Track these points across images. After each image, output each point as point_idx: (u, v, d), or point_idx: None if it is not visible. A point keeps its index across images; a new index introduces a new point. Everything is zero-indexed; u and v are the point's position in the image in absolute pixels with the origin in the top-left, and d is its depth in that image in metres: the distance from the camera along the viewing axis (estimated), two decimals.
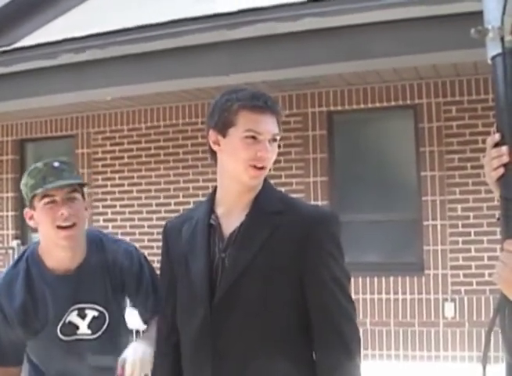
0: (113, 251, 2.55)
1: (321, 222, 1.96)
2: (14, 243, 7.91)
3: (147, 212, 8.05)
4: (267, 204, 1.99)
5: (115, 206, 8.24)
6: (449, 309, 6.75)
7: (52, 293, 2.45)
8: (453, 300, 6.76)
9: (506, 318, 1.61)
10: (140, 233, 8.02)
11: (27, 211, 2.46)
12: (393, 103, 7.16)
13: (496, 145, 1.63)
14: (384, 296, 6.98)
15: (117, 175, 8.26)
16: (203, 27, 5.23)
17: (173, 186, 7.96)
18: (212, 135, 2.00)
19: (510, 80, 1.61)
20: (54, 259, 2.46)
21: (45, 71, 5.93)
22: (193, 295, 1.97)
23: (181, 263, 2.04)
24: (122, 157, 8.25)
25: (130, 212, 8.15)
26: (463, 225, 6.79)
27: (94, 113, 8.35)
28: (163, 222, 2.23)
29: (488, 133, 1.69)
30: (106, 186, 8.30)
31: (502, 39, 1.61)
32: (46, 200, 2.37)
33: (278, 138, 2.00)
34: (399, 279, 6.95)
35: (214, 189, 2.09)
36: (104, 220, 8.25)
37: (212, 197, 2.07)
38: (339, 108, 7.36)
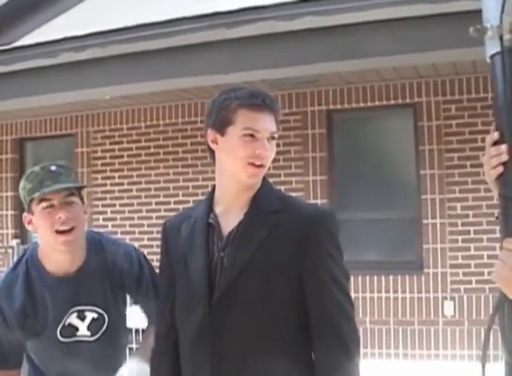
0: (112, 252, 2.55)
1: (320, 221, 1.96)
2: (14, 242, 7.91)
3: (147, 211, 8.05)
4: (265, 203, 1.98)
5: (115, 205, 8.24)
6: (449, 308, 6.75)
7: (52, 295, 2.45)
8: (453, 298, 6.76)
9: (506, 316, 1.61)
10: (140, 232, 8.03)
11: (25, 215, 2.45)
12: (392, 102, 7.16)
13: (495, 143, 1.63)
14: (383, 295, 6.99)
15: (116, 174, 8.26)
16: (203, 25, 5.23)
17: (172, 185, 7.96)
18: (210, 133, 2.00)
19: (508, 78, 1.61)
20: (53, 263, 2.46)
21: (45, 70, 5.93)
22: (192, 294, 1.97)
23: (180, 262, 2.04)
24: (122, 156, 8.25)
25: (130, 211, 8.15)
26: (463, 224, 6.80)
27: (93, 112, 8.35)
28: (162, 221, 2.23)
29: (488, 132, 1.69)
30: (105, 184, 8.30)
31: (501, 38, 1.61)
32: (44, 204, 2.36)
33: (276, 136, 2.00)
34: (399, 277, 6.95)
35: (213, 188, 2.08)
36: (104, 219, 8.25)
37: (211, 196, 2.07)
38: (338, 107, 7.37)
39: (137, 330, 4.85)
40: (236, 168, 1.95)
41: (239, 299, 1.90)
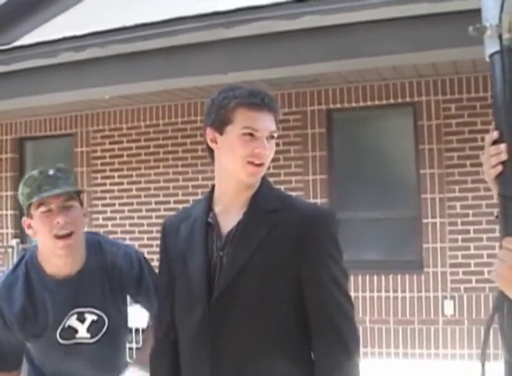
0: (112, 253, 2.55)
1: (320, 220, 1.96)
2: (13, 242, 7.89)
3: (146, 210, 8.05)
4: (264, 203, 1.98)
5: (114, 204, 8.24)
6: (449, 307, 6.75)
7: (52, 298, 2.45)
8: (453, 298, 6.77)
9: (505, 316, 1.61)
10: (139, 232, 8.03)
11: (24, 219, 2.44)
12: (392, 101, 7.16)
13: (495, 142, 1.63)
14: (383, 294, 6.99)
15: (116, 174, 8.26)
16: (201, 25, 5.23)
17: (172, 184, 7.96)
18: (209, 133, 2.00)
19: (507, 78, 1.60)
20: (53, 266, 2.46)
21: (45, 70, 5.92)
22: (191, 293, 1.97)
23: (179, 261, 2.04)
24: (121, 156, 8.25)
25: (129, 211, 8.15)
26: (463, 223, 6.80)
27: (93, 111, 8.35)
28: (162, 221, 2.23)
29: (487, 131, 1.69)
30: (105, 184, 8.30)
31: (500, 37, 1.60)
32: (42, 208, 2.35)
33: (275, 135, 2.00)
34: (398, 277, 6.95)
35: (212, 187, 2.08)
36: (103, 218, 8.26)
37: (210, 195, 2.07)
38: (338, 106, 7.37)
39: (137, 330, 4.86)
40: (236, 167, 1.95)
41: (239, 298, 1.90)
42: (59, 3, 7.70)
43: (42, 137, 8.78)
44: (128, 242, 7.83)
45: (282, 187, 6.59)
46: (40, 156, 8.88)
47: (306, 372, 1.93)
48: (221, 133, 1.97)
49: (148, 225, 7.96)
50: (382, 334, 6.95)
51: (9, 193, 8.72)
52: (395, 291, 6.95)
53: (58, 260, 2.43)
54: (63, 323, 2.46)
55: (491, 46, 1.64)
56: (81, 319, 2.48)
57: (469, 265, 6.73)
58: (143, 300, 2.62)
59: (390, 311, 6.96)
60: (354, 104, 7.29)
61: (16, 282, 2.47)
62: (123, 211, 8.19)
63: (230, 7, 5.16)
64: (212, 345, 1.91)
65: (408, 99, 7.10)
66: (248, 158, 1.93)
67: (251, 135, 1.93)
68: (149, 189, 8.07)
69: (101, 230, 8.08)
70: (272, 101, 1.98)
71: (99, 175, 8.34)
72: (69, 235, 2.36)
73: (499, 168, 1.62)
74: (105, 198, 8.28)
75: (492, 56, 1.64)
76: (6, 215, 8.78)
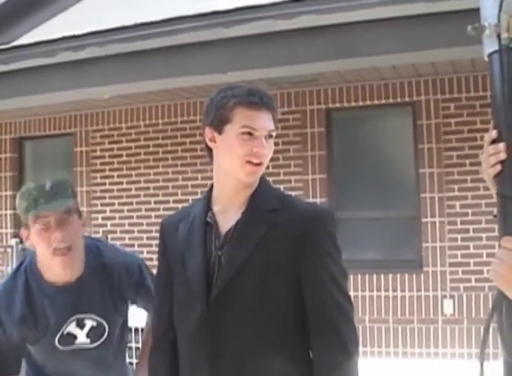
0: (110, 257, 2.54)
1: (319, 220, 1.96)
2: (13, 241, 7.89)
3: (146, 210, 8.05)
4: (263, 202, 1.98)
5: (114, 204, 8.24)
6: (448, 306, 6.76)
7: (52, 305, 2.44)
8: (452, 297, 6.77)
9: (503, 315, 1.61)
10: (139, 231, 8.03)
11: (23, 231, 2.42)
12: (391, 101, 7.17)
13: (494, 142, 1.63)
14: (382, 293, 6.99)
15: (115, 173, 8.26)
16: (200, 24, 5.23)
17: (172, 184, 7.96)
18: (208, 132, 2.00)
19: (506, 77, 1.60)
20: (52, 274, 2.44)
21: (44, 69, 5.92)
22: (190, 292, 1.97)
23: (177, 260, 2.03)
24: (121, 155, 8.25)
25: (129, 210, 8.15)
26: (462, 222, 6.80)
27: (92, 111, 8.35)
28: (161, 220, 2.23)
29: (487, 130, 1.68)
30: (104, 184, 8.30)
31: (498, 36, 1.60)
32: (40, 223, 2.33)
33: (274, 134, 1.99)
34: (398, 276, 6.96)
35: (211, 186, 2.08)
36: (103, 218, 8.26)
37: (209, 195, 2.07)
38: (337, 105, 7.37)
39: (136, 329, 4.86)
40: (234, 167, 1.94)
41: (237, 298, 1.90)
42: (59, 3, 7.70)
43: (41, 137, 8.77)
44: (127, 241, 7.84)
45: (281, 187, 6.59)
46: (39, 155, 8.88)
47: (305, 371, 1.93)
48: (219, 132, 1.97)
49: (147, 224, 7.96)
50: (381, 334, 6.95)
51: (9, 192, 8.71)
52: (395, 290, 6.96)
53: (57, 270, 2.42)
54: (61, 330, 2.45)
55: (489, 45, 1.64)
56: (81, 326, 2.48)
57: (468, 264, 6.73)
58: (142, 303, 2.62)
59: (389, 310, 6.96)
60: (353, 104, 7.30)
61: (15, 289, 2.46)
62: (122, 211, 8.19)
63: (229, 6, 5.16)
64: (211, 345, 1.91)
65: (407, 99, 7.10)
66: (247, 157, 1.92)
67: (250, 134, 1.93)
68: (148, 188, 8.07)
69: (100, 230, 8.10)
70: (270, 100, 1.98)
71: (98, 175, 8.34)
72: (67, 249, 2.35)
73: (498, 167, 1.62)
74: (104, 198, 8.28)
75: (490, 55, 1.64)
76: (6, 214, 8.78)
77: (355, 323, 1.95)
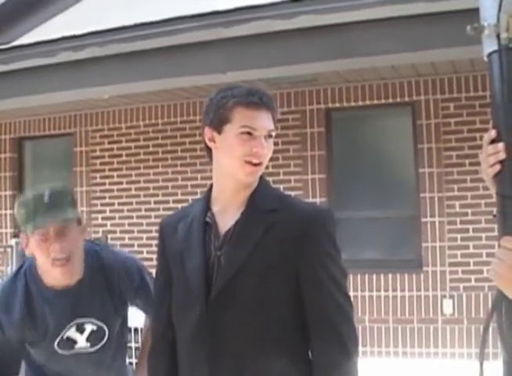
0: (109, 259, 2.53)
1: (318, 220, 1.96)
2: (13, 241, 7.89)
3: (146, 210, 8.05)
4: (262, 202, 1.98)
5: (113, 204, 8.24)
6: (448, 306, 6.76)
7: (52, 309, 2.44)
8: (452, 297, 6.77)
9: (503, 315, 1.61)
10: (139, 231, 8.03)
11: (22, 237, 2.41)
12: (391, 100, 7.17)
13: (493, 141, 1.63)
14: (382, 293, 6.99)
15: (115, 173, 8.26)
16: (200, 24, 5.23)
17: (171, 184, 7.96)
18: (208, 132, 2.00)
19: (506, 77, 1.60)
20: (52, 278, 2.43)
21: (44, 69, 5.92)
22: (189, 292, 1.97)
23: (176, 260, 2.03)
24: (120, 155, 8.25)
25: (128, 210, 8.15)
26: (462, 222, 6.80)
27: (92, 111, 8.35)
28: (160, 220, 2.23)
29: (486, 130, 1.69)
30: (104, 184, 8.30)
31: (498, 36, 1.60)
32: (38, 234, 2.32)
33: (273, 134, 1.99)
34: (398, 276, 6.96)
35: (210, 186, 2.08)
36: (103, 218, 8.25)
37: (208, 195, 2.06)
38: (337, 105, 7.37)
39: (136, 330, 4.85)
40: (234, 167, 1.94)
41: (237, 298, 1.90)
42: (59, 3, 7.70)
43: (41, 137, 8.77)
44: (127, 241, 7.84)
45: (281, 186, 6.60)
46: (39, 155, 8.88)
47: (304, 371, 1.93)
48: (219, 132, 1.96)
49: (147, 224, 7.96)
50: (381, 333, 6.95)
51: (8, 192, 8.71)
52: (394, 290, 6.96)
53: (56, 276, 2.40)
54: (61, 334, 2.45)
55: (489, 45, 1.64)
56: (81, 330, 2.47)
57: (468, 264, 6.73)
58: (142, 305, 2.62)
59: (389, 310, 6.96)
60: (353, 103, 7.30)
61: (15, 292, 2.45)
62: (122, 211, 8.19)
63: (229, 6, 5.16)
64: (210, 345, 1.90)
65: (407, 99, 7.10)
66: (246, 157, 1.92)
67: (249, 134, 1.93)
68: (148, 188, 8.07)
69: (100, 230, 8.10)
70: (270, 100, 1.98)
71: (98, 175, 8.34)
72: (66, 259, 2.34)
73: (498, 167, 1.62)
74: (104, 198, 8.28)
75: (490, 55, 1.64)
76: (5, 214, 8.78)
77: (355, 323, 1.95)
